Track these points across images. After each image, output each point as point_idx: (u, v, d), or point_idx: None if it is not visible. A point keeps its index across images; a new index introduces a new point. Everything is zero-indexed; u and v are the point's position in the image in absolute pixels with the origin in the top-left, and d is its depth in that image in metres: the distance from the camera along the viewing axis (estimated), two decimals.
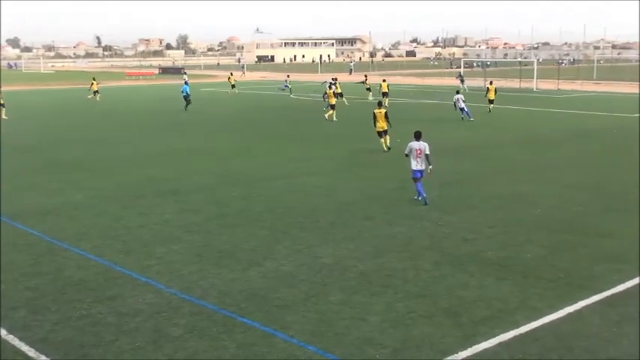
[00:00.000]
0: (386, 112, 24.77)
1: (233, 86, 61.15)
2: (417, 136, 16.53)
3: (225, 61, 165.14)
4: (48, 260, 12.49)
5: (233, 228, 14.59)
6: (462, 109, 35.97)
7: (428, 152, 16.28)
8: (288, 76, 62.84)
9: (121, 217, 15.67)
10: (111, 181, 20.01)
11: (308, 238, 13.72)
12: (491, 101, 39.89)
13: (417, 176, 16.41)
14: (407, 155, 16.58)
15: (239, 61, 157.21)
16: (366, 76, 56.99)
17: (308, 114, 41.97)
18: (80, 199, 17.62)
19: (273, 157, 24.55)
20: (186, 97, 43.55)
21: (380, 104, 25.60)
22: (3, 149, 26.02)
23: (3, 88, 39.29)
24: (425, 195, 16.41)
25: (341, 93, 42.97)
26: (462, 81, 59.64)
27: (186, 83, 46.06)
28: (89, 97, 53.40)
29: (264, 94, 59.55)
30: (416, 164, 16.29)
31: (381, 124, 24.53)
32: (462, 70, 72.53)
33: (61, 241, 13.67)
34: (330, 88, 39.41)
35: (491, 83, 41.81)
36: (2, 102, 38.77)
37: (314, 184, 19.39)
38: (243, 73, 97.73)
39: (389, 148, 24.35)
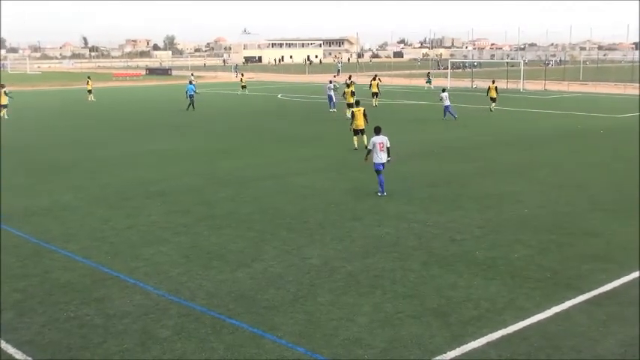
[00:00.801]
0: (364, 111, 25.02)
1: (244, 87, 61.99)
2: (377, 131, 17.70)
3: (212, 62, 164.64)
4: (35, 262, 12.42)
5: (221, 229, 14.56)
6: (446, 107, 36.35)
7: (389, 145, 17.50)
8: (334, 76, 63.12)
9: (108, 218, 15.60)
10: (98, 183, 19.92)
11: (296, 239, 13.72)
12: (493, 99, 41.22)
13: (380, 169, 17.55)
14: (370, 150, 17.77)
15: (224, 62, 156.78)
16: (376, 75, 56.11)
17: (298, 115, 42.02)
18: (67, 201, 17.53)
19: (261, 157, 24.52)
20: (191, 97, 43.82)
21: (358, 103, 26.02)
22: None
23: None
24: (384, 192, 17.53)
25: (353, 92, 42.71)
26: (430, 81, 64.15)
27: (190, 83, 46.10)
28: (89, 98, 53.14)
29: (255, 95, 59.40)
30: (379, 158, 17.43)
31: (359, 123, 24.76)
32: (432, 71, 74.22)
33: (47, 243, 13.60)
34: (348, 87, 39.84)
35: (493, 82, 42.44)
36: (5, 103, 39.65)
37: (302, 184, 19.39)
38: (237, 74, 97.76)
39: (366, 147, 24.47)
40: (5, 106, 39.50)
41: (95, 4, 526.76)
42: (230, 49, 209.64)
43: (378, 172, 17.58)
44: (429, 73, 70.49)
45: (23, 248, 13.31)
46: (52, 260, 12.55)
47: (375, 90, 45.51)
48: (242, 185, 19.30)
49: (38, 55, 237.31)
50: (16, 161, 24.04)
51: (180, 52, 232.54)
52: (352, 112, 24.94)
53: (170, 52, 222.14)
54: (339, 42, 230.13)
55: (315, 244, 13.42)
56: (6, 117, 38.94)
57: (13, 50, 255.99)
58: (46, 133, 33.34)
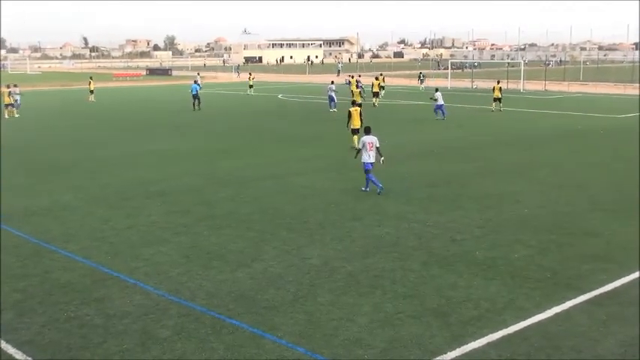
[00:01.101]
0: (360, 111, 25.08)
1: (251, 86, 62.26)
2: (367, 131, 18.07)
3: (212, 62, 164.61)
4: (35, 262, 12.42)
5: (221, 229, 14.55)
6: (438, 107, 36.41)
7: (378, 145, 17.71)
8: (350, 76, 63.62)
9: (108, 218, 15.60)
10: (98, 183, 19.92)
11: (296, 239, 13.72)
12: (497, 99, 41.17)
13: (369, 168, 17.71)
14: (359, 150, 18.01)
15: (224, 63, 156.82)
16: (381, 74, 55.83)
17: (298, 115, 42.02)
18: (67, 201, 17.53)
19: (261, 157, 24.52)
20: (196, 96, 44.08)
21: (354, 103, 26.16)
22: None
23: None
24: (380, 185, 17.60)
25: (360, 92, 42.62)
26: (422, 81, 65.09)
27: (195, 82, 46.32)
28: (90, 99, 53.21)
29: (256, 95, 59.38)
30: (368, 157, 17.58)
31: (356, 122, 24.82)
32: (425, 71, 74.65)
33: (47, 243, 13.59)
34: (357, 87, 39.84)
35: (498, 82, 42.43)
36: (12, 102, 40.72)
37: (302, 184, 19.39)
38: (238, 74, 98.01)
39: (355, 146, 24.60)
40: (11, 105, 40.30)
41: (95, 4, 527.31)
42: (230, 49, 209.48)
43: (367, 171, 17.71)
44: (420, 73, 70.65)
45: (23, 248, 13.31)
46: (52, 260, 12.54)
47: (376, 90, 45.59)
48: (242, 185, 19.29)
49: (38, 55, 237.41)
50: (16, 161, 24.04)
51: (181, 53, 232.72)
52: (349, 111, 24.98)
53: (170, 53, 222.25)
54: (340, 42, 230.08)
55: (315, 244, 13.41)
56: (15, 116, 40.09)
57: (13, 50, 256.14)
58: (46, 133, 33.34)
